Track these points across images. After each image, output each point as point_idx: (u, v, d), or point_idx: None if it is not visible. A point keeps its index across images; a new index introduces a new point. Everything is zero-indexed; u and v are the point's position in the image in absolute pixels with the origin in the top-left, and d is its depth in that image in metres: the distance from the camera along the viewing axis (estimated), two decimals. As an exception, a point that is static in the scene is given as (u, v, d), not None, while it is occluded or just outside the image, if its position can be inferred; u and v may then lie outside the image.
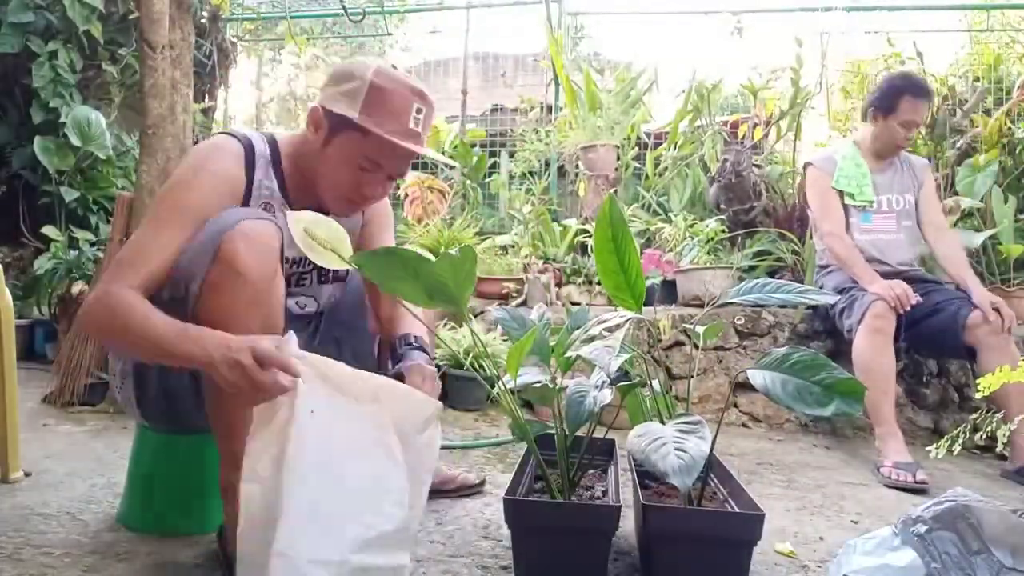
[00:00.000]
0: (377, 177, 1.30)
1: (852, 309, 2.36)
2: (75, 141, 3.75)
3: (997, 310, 2.21)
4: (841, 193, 2.57)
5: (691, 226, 3.31)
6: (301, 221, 1.06)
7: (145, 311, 1.06)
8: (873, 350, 2.24)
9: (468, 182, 4.30)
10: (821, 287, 2.57)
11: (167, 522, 1.39)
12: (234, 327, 1.05)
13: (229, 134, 1.33)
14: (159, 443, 1.44)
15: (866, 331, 2.25)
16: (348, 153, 1.27)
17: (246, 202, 1.30)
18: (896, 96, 2.50)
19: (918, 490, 1.95)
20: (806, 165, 2.73)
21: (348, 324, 1.55)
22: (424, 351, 1.36)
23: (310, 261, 1.41)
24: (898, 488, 1.97)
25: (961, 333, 2.25)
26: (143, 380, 1.29)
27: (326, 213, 1.42)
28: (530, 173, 4.31)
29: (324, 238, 1.06)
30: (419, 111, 1.27)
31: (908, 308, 2.23)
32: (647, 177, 3.98)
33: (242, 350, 0.97)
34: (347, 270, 1.48)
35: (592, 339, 1.31)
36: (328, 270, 1.47)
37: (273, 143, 1.35)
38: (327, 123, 1.28)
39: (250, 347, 0.97)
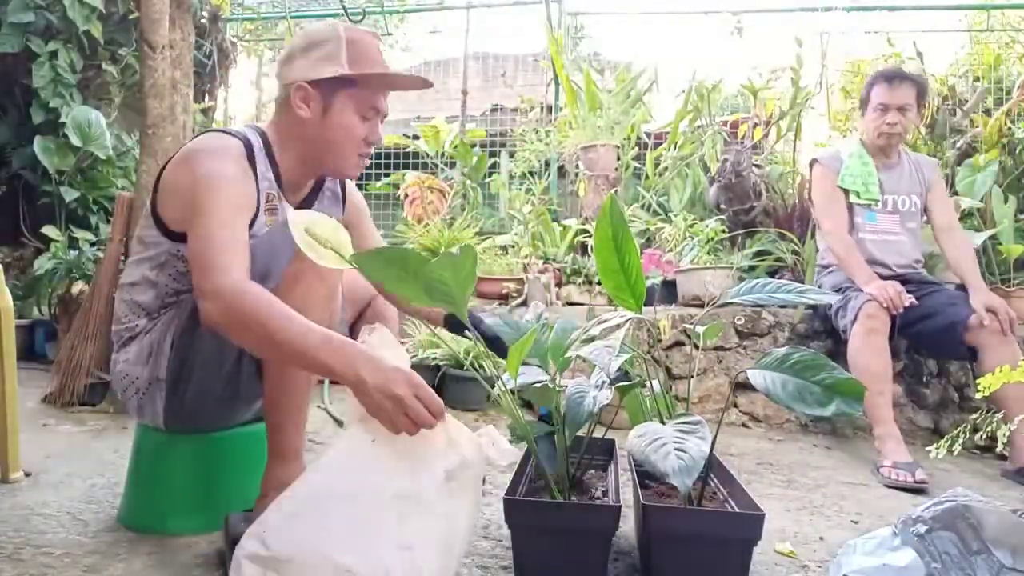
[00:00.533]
0: (375, 122, 1.36)
1: (847, 309, 2.36)
2: (75, 141, 3.75)
3: (995, 313, 2.21)
4: (846, 192, 2.57)
5: (691, 226, 3.31)
6: (301, 221, 1.06)
7: (286, 311, 1.05)
8: (867, 350, 2.24)
9: (468, 182, 4.30)
10: (820, 286, 2.57)
11: (167, 522, 1.39)
12: (311, 317, 1.09)
13: (224, 132, 1.33)
14: (159, 443, 1.44)
15: (860, 331, 2.26)
16: (352, 108, 1.32)
17: (258, 197, 1.32)
18: (868, 87, 2.56)
19: (918, 490, 1.95)
20: (812, 162, 2.72)
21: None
22: None
23: None
24: (898, 488, 1.97)
25: (962, 334, 2.25)
26: (178, 388, 1.32)
27: (317, 190, 1.48)
28: (530, 173, 4.31)
29: (325, 237, 1.05)
30: (379, 49, 1.36)
31: (901, 310, 2.23)
32: (647, 177, 3.98)
33: (399, 382, 0.98)
34: None
35: (592, 339, 1.31)
36: None
37: (263, 134, 1.37)
38: (318, 93, 1.31)
39: (407, 380, 0.99)
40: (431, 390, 1.00)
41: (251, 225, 1.27)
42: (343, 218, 1.53)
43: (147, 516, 1.42)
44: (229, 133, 1.33)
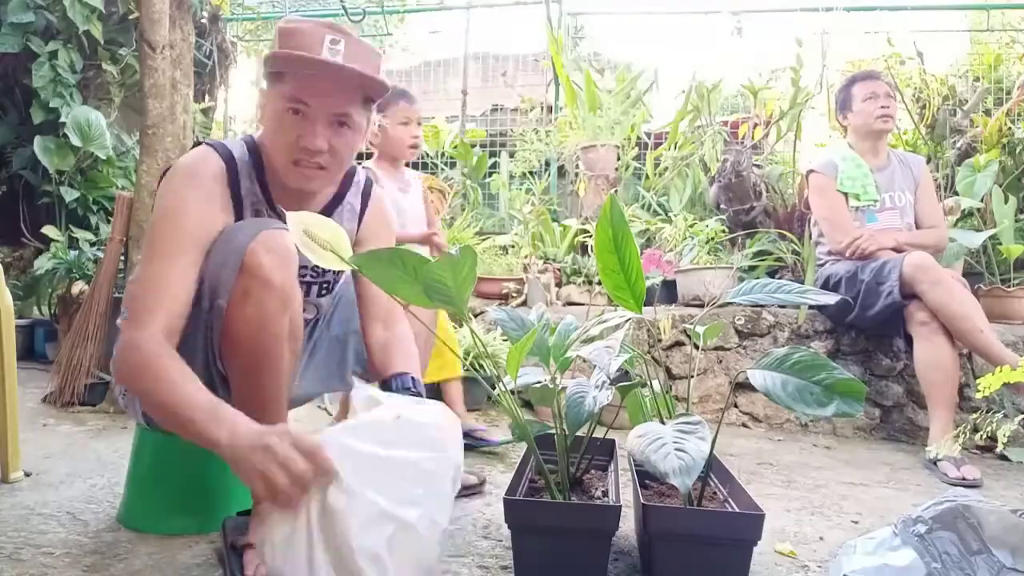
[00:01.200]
0: (309, 120, 1.21)
1: (883, 274, 2.32)
2: (75, 141, 3.75)
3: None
4: (846, 196, 2.58)
5: (691, 226, 3.31)
6: (301, 222, 1.06)
7: (174, 376, 1.04)
8: (957, 286, 2.22)
9: (468, 182, 4.30)
10: (828, 277, 2.56)
11: (168, 522, 1.39)
12: (266, 333, 1.09)
13: (208, 145, 1.29)
14: (159, 443, 1.44)
15: (939, 277, 2.21)
16: (276, 105, 1.22)
17: (239, 214, 1.27)
18: (847, 88, 2.67)
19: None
20: (808, 172, 2.74)
21: (350, 322, 1.53)
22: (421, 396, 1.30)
23: (309, 272, 1.41)
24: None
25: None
26: None
27: (336, 203, 1.41)
28: (530, 173, 4.31)
29: (324, 239, 1.05)
30: (334, 42, 1.20)
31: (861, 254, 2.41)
32: (647, 177, 3.98)
33: (275, 434, 0.94)
34: (343, 281, 1.49)
35: (592, 339, 1.31)
36: (327, 284, 1.47)
37: (252, 146, 1.32)
38: (262, 95, 1.28)
39: (287, 432, 0.94)
40: (317, 447, 0.93)
41: None
42: (356, 236, 1.44)
43: (147, 516, 1.42)
44: (216, 149, 1.28)
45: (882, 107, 2.56)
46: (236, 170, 1.28)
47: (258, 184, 1.31)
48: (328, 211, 1.40)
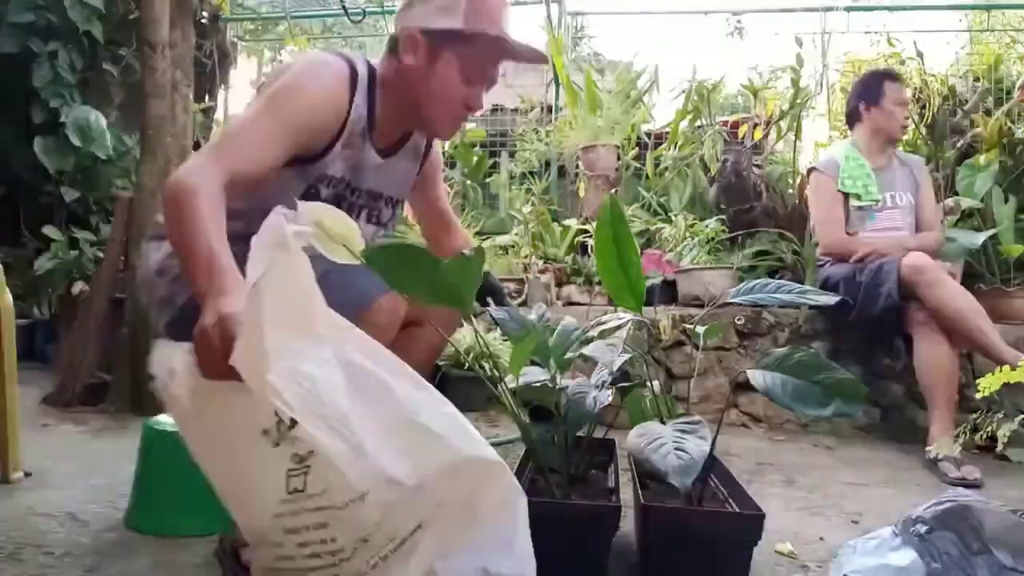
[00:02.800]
0: (479, 88, 1.31)
1: (880, 275, 2.31)
2: (75, 141, 3.75)
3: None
4: (847, 196, 2.58)
5: (691, 226, 3.31)
6: (314, 212, 1.05)
7: (204, 216, 1.01)
8: (956, 286, 2.23)
9: (468, 182, 4.30)
10: (827, 278, 2.56)
11: (177, 524, 1.39)
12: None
13: (336, 54, 1.31)
14: (167, 443, 1.43)
15: (936, 278, 2.22)
16: (457, 67, 1.27)
17: (342, 127, 1.27)
18: (878, 82, 2.62)
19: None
20: (810, 171, 2.75)
21: None
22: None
23: (364, 194, 1.40)
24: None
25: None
26: (177, 324, 1.22)
27: (402, 142, 1.41)
28: (530, 173, 4.31)
29: (336, 232, 1.05)
30: (504, 15, 1.29)
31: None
32: (647, 177, 3.98)
33: (212, 313, 0.89)
34: (391, 216, 1.49)
35: (592, 339, 1.31)
36: (376, 212, 1.46)
37: (371, 68, 1.33)
38: (427, 43, 1.26)
39: (223, 314, 0.88)
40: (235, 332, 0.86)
41: (325, 152, 1.26)
42: (416, 177, 1.51)
43: (156, 518, 1.41)
44: (342, 57, 1.30)
45: (906, 116, 2.62)
46: (356, 83, 1.29)
47: (367, 109, 1.32)
48: (397, 147, 1.42)
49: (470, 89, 1.30)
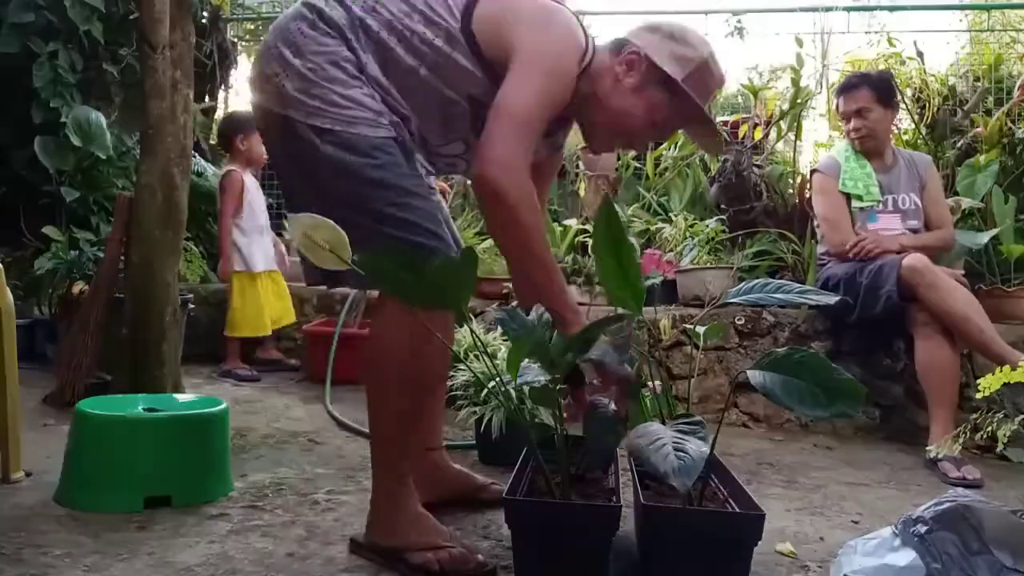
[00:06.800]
0: (649, 134, 1.41)
1: (880, 276, 2.31)
2: (75, 141, 3.75)
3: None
4: (849, 197, 2.58)
5: (691, 226, 3.31)
6: (301, 224, 1.05)
7: (544, 233, 1.19)
8: (953, 286, 2.22)
9: (469, 182, 4.29)
10: (828, 279, 2.56)
11: (99, 500, 1.52)
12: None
13: (579, 25, 1.35)
14: (95, 426, 1.59)
15: (934, 280, 2.21)
16: (655, 106, 1.33)
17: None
18: (837, 96, 2.73)
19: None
20: (812, 172, 2.75)
21: None
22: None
23: (459, 159, 1.49)
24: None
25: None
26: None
27: (558, 130, 1.47)
28: (530, 173, 4.31)
29: (325, 240, 1.05)
30: (713, 96, 1.39)
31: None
32: (647, 177, 3.98)
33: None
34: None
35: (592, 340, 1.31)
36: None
37: (593, 49, 1.38)
38: (644, 71, 1.32)
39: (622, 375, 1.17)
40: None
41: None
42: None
43: (81, 494, 1.54)
44: (582, 29, 1.36)
45: (852, 129, 2.60)
46: (583, 60, 1.34)
47: None
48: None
49: (643, 131, 1.37)
